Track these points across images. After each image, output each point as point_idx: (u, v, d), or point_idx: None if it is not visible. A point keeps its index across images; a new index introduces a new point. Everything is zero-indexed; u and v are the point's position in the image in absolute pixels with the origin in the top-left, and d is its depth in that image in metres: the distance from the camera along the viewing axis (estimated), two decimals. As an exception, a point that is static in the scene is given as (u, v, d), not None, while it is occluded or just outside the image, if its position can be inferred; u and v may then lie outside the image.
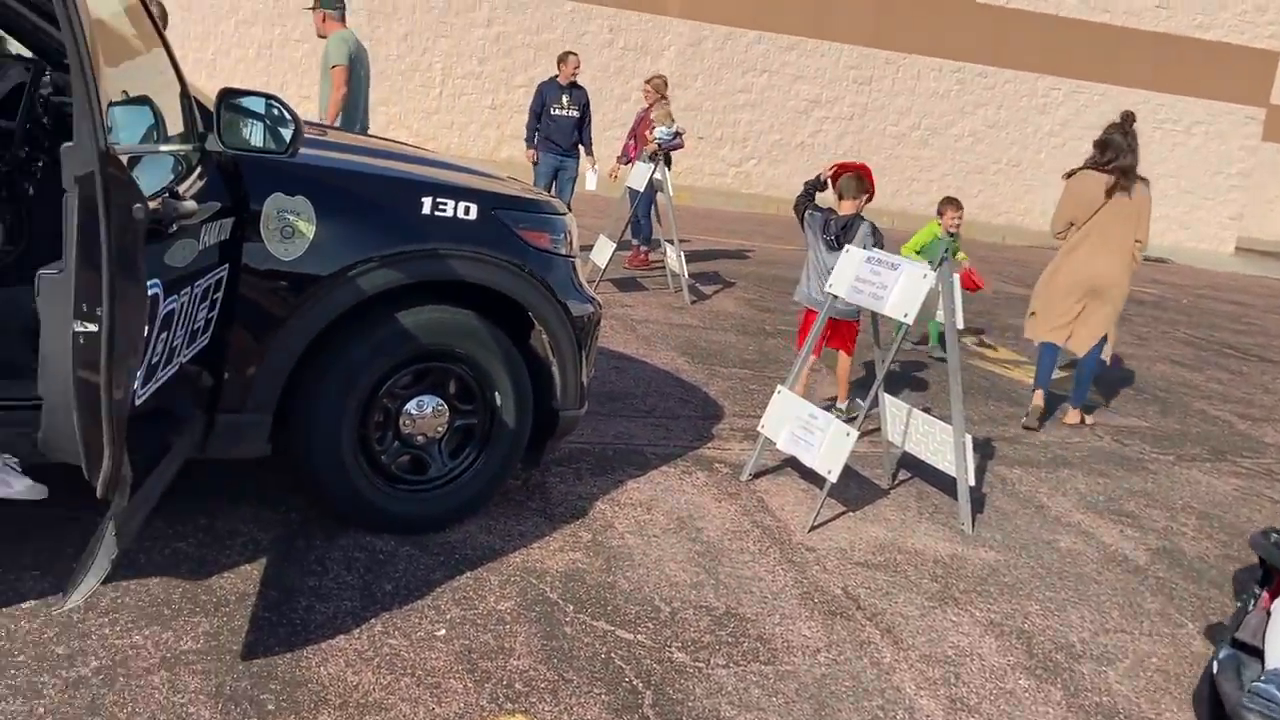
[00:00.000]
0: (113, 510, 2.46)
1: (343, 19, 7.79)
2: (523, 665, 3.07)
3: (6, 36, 5.03)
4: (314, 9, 7.77)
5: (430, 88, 17.87)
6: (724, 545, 4.09)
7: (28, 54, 4.37)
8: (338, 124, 7.57)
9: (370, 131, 7.98)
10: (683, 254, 9.19)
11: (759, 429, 4.85)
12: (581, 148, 9.93)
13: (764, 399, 5.43)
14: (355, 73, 7.60)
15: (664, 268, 9.75)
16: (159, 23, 3.13)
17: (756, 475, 4.87)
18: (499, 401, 3.84)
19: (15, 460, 3.12)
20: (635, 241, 10.27)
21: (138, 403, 2.53)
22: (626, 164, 10.26)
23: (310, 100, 10.35)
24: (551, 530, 3.99)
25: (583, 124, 9.86)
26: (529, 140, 9.96)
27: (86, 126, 2.24)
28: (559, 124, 9.76)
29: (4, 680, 2.66)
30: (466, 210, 3.69)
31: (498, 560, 3.68)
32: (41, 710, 2.57)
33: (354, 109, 7.65)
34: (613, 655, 3.20)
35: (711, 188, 19.25)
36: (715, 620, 3.50)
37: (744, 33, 19.27)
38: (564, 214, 4.10)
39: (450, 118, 18.04)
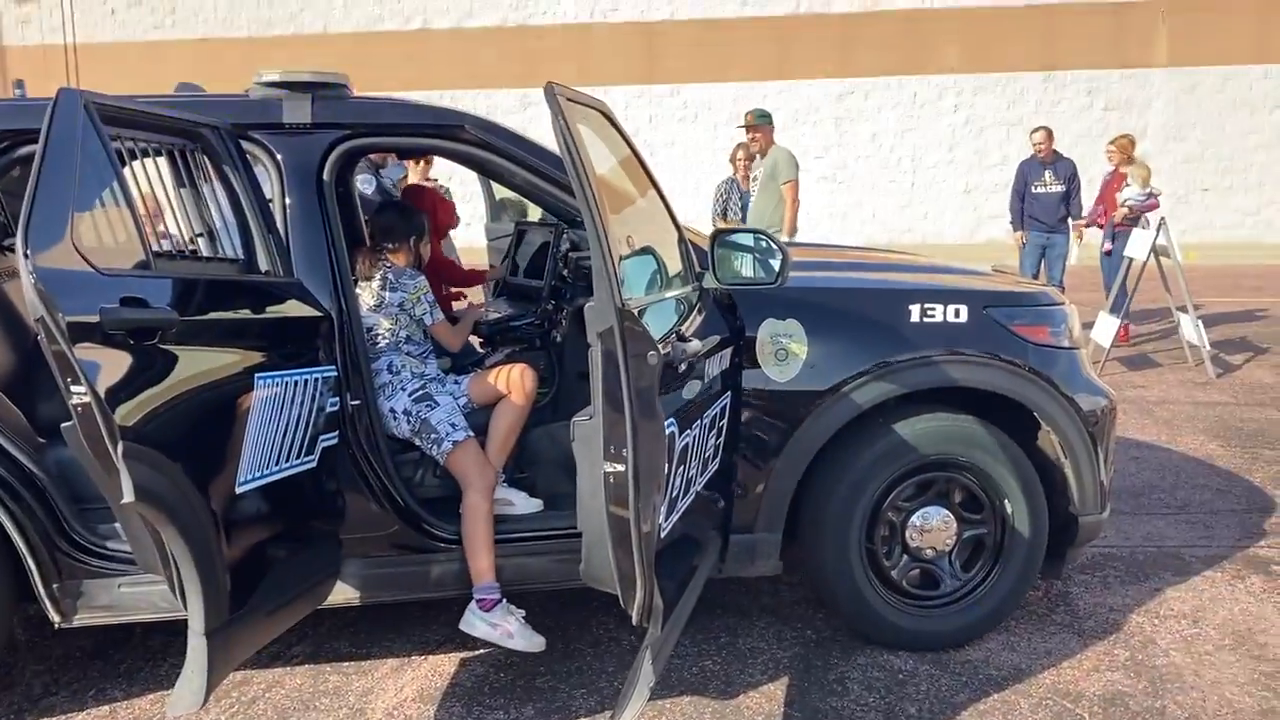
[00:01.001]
0: (649, 639, 2.62)
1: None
2: (1066, 801, 2.82)
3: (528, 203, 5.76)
4: (752, 127, 8.22)
5: (900, 181, 17.94)
6: (1296, 663, 3.53)
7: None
8: (795, 237, 7.98)
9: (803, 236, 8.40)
10: (1200, 321, 8.31)
11: (1324, 522, 4.18)
12: (1070, 221, 9.43)
13: (1325, 485, 4.67)
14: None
15: (1176, 339, 8.87)
16: (648, 168, 3.40)
17: (1328, 577, 4.18)
18: (1009, 510, 3.64)
19: (522, 613, 3.46)
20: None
21: (663, 534, 2.69)
22: (1089, 227, 9.66)
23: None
24: (1082, 647, 3.67)
25: (1069, 197, 9.36)
26: (1014, 222, 9.65)
27: (604, 287, 2.47)
28: (1042, 201, 9.35)
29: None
30: (956, 313, 3.59)
31: (1025, 681, 3.44)
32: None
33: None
34: (1172, 795, 2.84)
35: (1225, 242, 17.36)
36: (1297, 756, 3.00)
37: (1246, 69, 17.40)
38: (1061, 303, 3.86)
39: (924, 208, 17.95)
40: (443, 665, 3.63)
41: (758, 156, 8.34)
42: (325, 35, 17.95)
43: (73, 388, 2.33)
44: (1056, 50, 17.40)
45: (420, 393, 3.58)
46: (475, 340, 4.69)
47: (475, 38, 17.83)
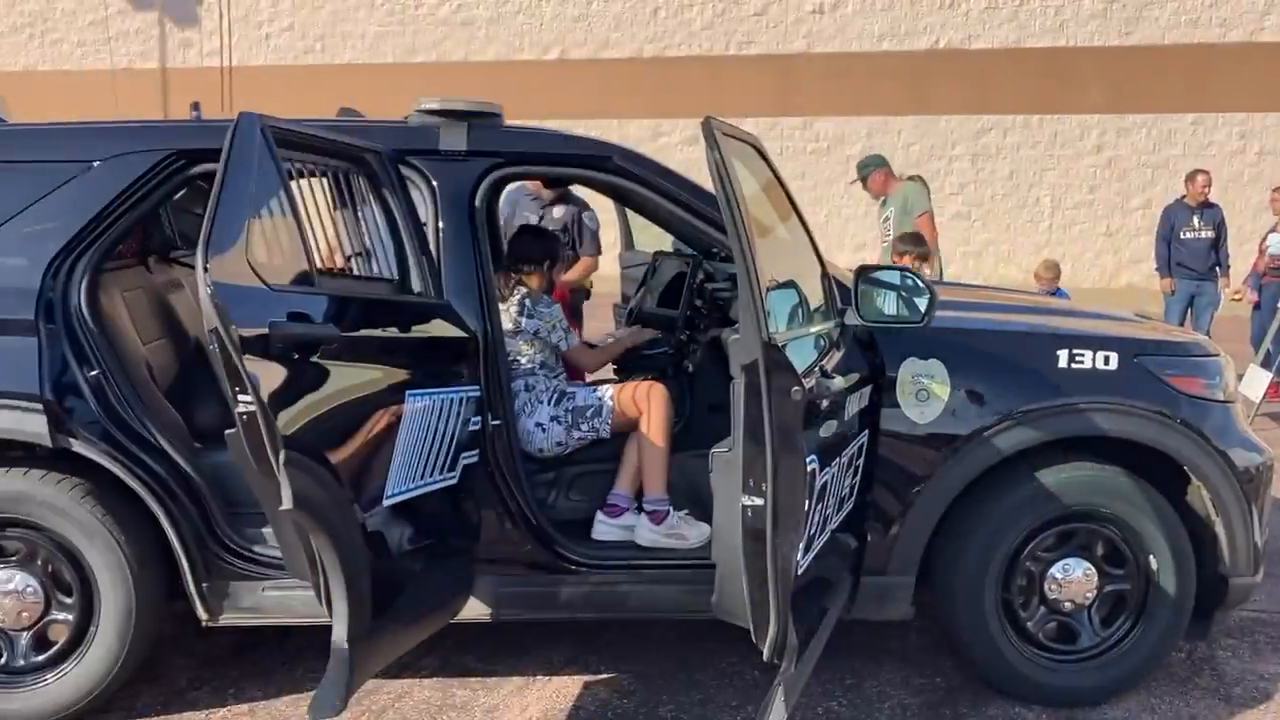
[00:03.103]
0: (781, 675, 2.60)
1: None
2: None
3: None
4: (866, 175, 7.89)
5: (1039, 221, 17.51)
6: None
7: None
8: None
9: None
10: (1358, 379, 7.87)
11: None
12: (1218, 270, 9.06)
13: None
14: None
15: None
16: (795, 202, 3.40)
17: None
18: (1154, 566, 3.51)
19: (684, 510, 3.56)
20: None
21: (799, 573, 2.67)
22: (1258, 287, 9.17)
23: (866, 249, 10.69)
24: (1229, 714, 3.50)
25: (1218, 244, 9.01)
26: (1161, 269, 9.32)
27: (750, 320, 2.48)
28: (1190, 247, 9.01)
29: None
30: (1106, 360, 3.49)
31: (1167, 746, 3.31)
32: None
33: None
34: None
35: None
36: None
37: None
38: (1216, 354, 3.72)
39: (1061, 250, 17.47)
40: (566, 687, 3.66)
41: (881, 200, 8.05)
42: (466, 64, 18.43)
43: (240, 397, 2.43)
44: (1208, 91, 16.79)
45: (557, 395, 3.69)
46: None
47: (611, 68, 18.09)
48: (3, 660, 3.34)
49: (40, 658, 3.35)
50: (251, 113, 2.72)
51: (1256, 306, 8.96)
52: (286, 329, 2.58)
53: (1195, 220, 9.04)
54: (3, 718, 3.33)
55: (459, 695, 3.60)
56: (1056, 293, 8.30)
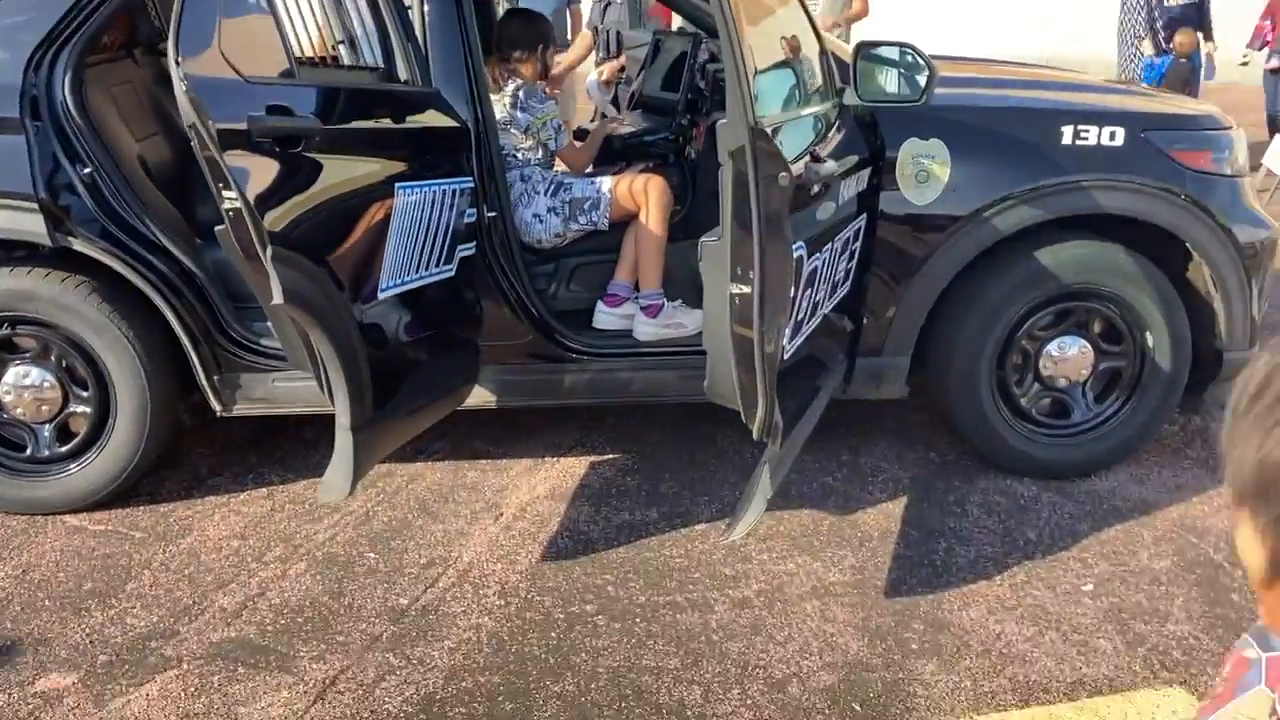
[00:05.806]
0: (767, 455, 2.69)
1: None
2: (1181, 631, 2.84)
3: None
4: None
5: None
6: None
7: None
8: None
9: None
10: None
11: None
12: (1200, 34, 8.58)
13: None
14: None
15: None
16: None
17: None
18: (1150, 342, 3.53)
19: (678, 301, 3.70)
20: None
21: (786, 357, 2.72)
22: (1260, 49, 8.81)
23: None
24: (1215, 484, 3.60)
25: (1202, 6, 8.49)
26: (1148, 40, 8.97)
27: (736, 104, 2.42)
28: (1170, 11, 8.51)
29: (684, 593, 3.05)
30: (1112, 135, 3.41)
31: (1150, 514, 3.42)
32: (714, 624, 2.90)
33: None
34: (1292, 634, 2.83)
35: None
36: None
37: None
38: (1228, 127, 3.62)
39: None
40: (573, 467, 3.80)
41: None
42: None
43: (224, 193, 2.43)
44: None
45: (554, 186, 3.65)
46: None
47: None
48: (28, 451, 3.49)
49: (64, 449, 3.49)
50: (217, -109, 2.60)
51: (1274, 72, 8.63)
52: (266, 122, 2.55)
53: None
54: (39, 503, 3.50)
55: (470, 476, 3.75)
56: (1194, 64, 8.08)
